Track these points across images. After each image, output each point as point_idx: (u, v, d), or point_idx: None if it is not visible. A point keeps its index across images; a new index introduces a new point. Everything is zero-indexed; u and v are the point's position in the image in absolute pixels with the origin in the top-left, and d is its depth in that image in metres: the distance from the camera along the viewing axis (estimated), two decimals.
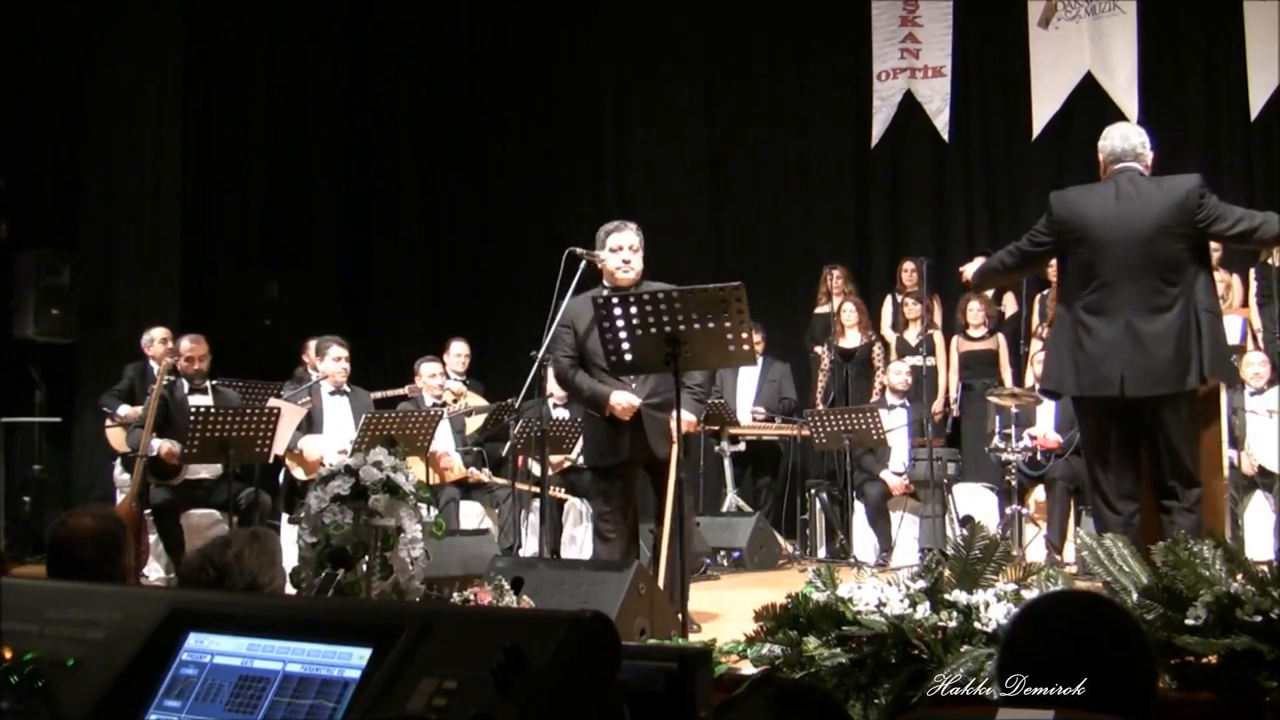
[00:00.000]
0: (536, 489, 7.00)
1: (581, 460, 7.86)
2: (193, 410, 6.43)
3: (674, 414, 4.64)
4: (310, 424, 7.07)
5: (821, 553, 8.09)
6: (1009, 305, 8.95)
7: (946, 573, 3.45)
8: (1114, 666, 1.83)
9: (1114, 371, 4.53)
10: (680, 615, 4.48)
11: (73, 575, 2.94)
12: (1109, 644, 1.85)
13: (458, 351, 8.74)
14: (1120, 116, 9.36)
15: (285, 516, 6.97)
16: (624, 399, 4.89)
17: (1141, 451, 4.66)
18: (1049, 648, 1.85)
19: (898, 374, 8.25)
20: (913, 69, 10.19)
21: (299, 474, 6.95)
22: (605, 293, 4.75)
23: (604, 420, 4.98)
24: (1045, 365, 5.08)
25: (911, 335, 8.92)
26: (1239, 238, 4.65)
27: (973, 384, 8.50)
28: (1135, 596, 3.31)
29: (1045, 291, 8.39)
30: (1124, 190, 4.62)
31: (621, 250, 4.96)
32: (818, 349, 9.24)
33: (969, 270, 5.26)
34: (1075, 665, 1.80)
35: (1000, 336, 8.66)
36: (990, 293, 8.86)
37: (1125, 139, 4.76)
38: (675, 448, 4.65)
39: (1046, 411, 7.52)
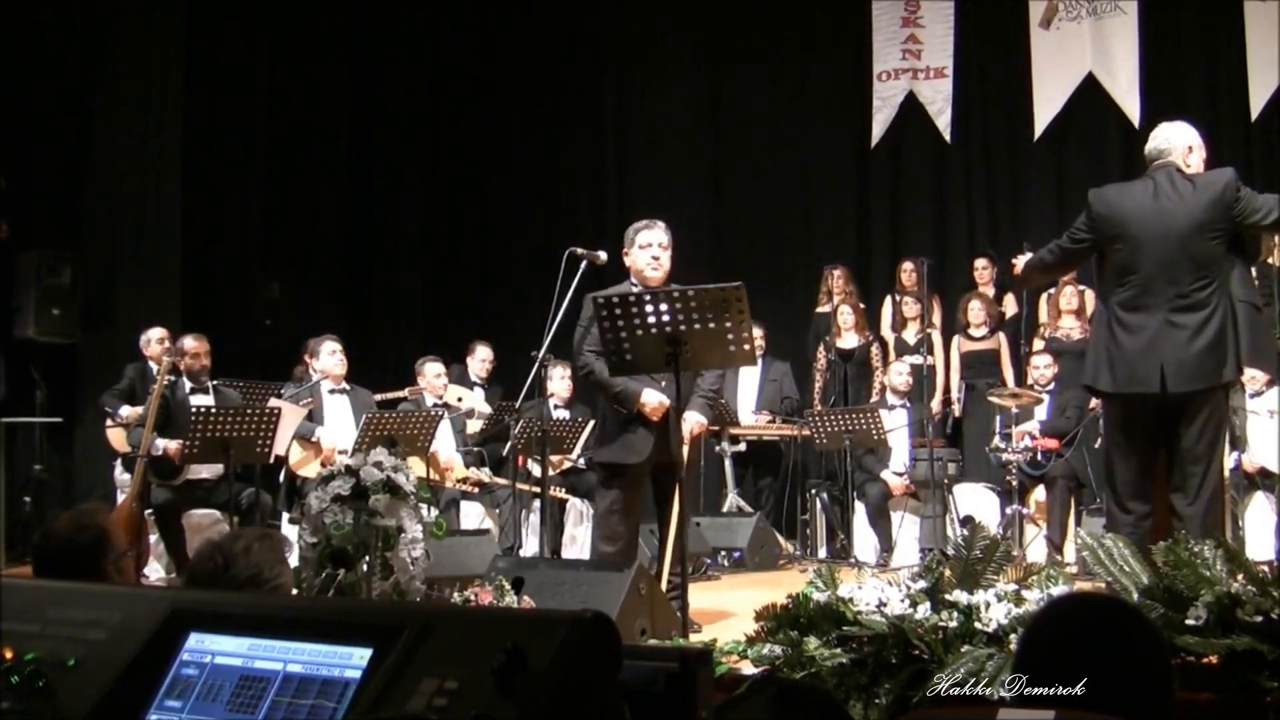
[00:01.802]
0: (537, 489, 7.00)
1: (583, 460, 7.86)
2: (194, 410, 6.43)
3: (686, 416, 4.69)
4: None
5: (822, 553, 8.09)
6: (1009, 305, 8.95)
7: (947, 573, 3.46)
8: (1129, 670, 1.83)
9: (1153, 369, 4.51)
10: (681, 615, 4.49)
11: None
12: (1125, 647, 1.85)
13: (482, 357, 8.64)
14: (1121, 117, 9.40)
15: (285, 516, 6.97)
16: (656, 398, 4.83)
17: (1161, 451, 4.65)
18: (1068, 651, 1.85)
19: (898, 374, 8.25)
20: (915, 70, 10.18)
21: (309, 469, 6.93)
22: (631, 290, 4.72)
23: (626, 419, 4.92)
24: (1086, 361, 5.06)
25: (909, 334, 8.92)
26: (1274, 226, 4.65)
27: (974, 384, 8.50)
28: (1136, 597, 3.32)
29: (1050, 291, 8.39)
30: (1162, 188, 4.62)
31: (651, 247, 4.92)
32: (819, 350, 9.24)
33: (1020, 263, 5.28)
34: (1091, 668, 1.80)
35: (1001, 336, 8.66)
36: (991, 292, 8.88)
37: (1166, 138, 4.77)
38: (685, 449, 4.64)
39: (1040, 412, 7.54)
